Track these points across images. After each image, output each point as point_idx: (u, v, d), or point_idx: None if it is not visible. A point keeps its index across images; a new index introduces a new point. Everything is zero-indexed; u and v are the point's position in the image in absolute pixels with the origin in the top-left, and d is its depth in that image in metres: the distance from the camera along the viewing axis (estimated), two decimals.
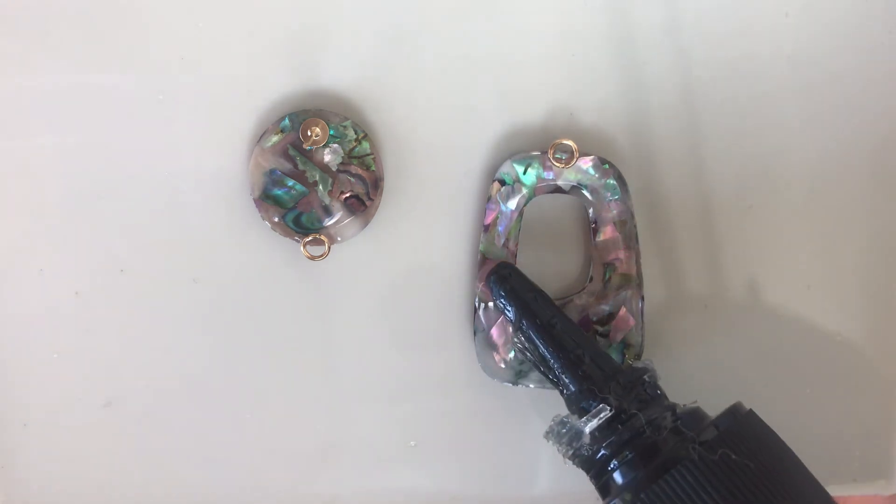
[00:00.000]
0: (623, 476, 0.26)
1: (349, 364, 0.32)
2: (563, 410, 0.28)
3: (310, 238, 0.30)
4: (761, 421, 0.27)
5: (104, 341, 0.31)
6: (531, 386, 0.31)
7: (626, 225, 0.31)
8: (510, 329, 0.31)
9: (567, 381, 0.27)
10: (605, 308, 0.31)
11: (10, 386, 0.31)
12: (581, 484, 0.32)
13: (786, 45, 0.31)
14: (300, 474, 0.32)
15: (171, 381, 0.31)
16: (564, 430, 0.27)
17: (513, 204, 0.31)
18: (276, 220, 0.30)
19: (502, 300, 0.29)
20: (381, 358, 0.32)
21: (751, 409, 0.27)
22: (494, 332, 0.31)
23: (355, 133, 0.30)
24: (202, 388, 0.31)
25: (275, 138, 0.30)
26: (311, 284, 0.31)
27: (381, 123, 0.31)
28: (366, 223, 0.31)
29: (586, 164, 0.31)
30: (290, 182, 0.30)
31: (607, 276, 0.31)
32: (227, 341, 0.31)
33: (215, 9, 0.30)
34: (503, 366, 0.31)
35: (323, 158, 0.30)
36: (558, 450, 0.28)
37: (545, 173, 0.31)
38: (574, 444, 0.27)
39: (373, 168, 0.30)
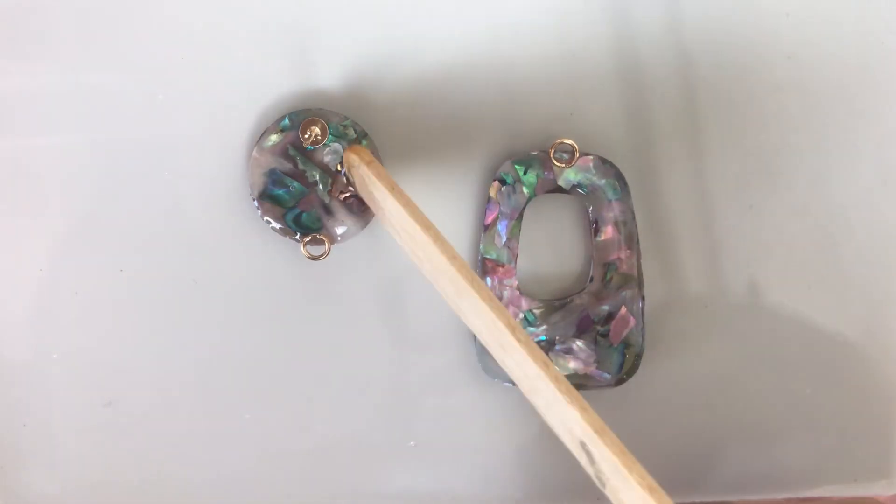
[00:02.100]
0: None
1: (349, 364, 0.32)
2: None
3: (310, 238, 0.30)
4: None
5: (104, 341, 0.31)
6: None
7: (627, 225, 0.31)
8: None
9: None
10: (606, 308, 0.31)
11: (10, 386, 0.31)
12: (581, 484, 0.33)
13: (786, 45, 0.31)
14: (300, 474, 0.32)
15: (171, 381, 0.31)
16: None
17: (513, 204, 0.31)
18: (276, 220, 0.30)
19: None
20: (381, 358, 0.32)
21: None
22: None
23: (355, 133, 0.30)
24: (202, 388, 0.31)
25: (275, 138, 0.30)
26: (311, 284, 0.31)
27: (381, 123, 0.31)
28: (366, 223, 0.31)
29: (586, 164, 0.30)
30: (290, 182, 0.30)
31: (608, 276, 0.31)
32: (227, 341, 0.31)
33: (215, 9, 0.30)
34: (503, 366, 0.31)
35: (323, 158, 0.30)
36: None
37: (545, 173, 0.31)
38: None
39: None
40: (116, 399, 0.31)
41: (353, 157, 0.29)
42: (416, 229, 0.25)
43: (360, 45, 0.30)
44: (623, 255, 0.31)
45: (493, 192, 0.31)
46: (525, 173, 0.31)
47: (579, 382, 0.31)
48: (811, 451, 0.33)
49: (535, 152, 0.31)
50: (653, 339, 0.32)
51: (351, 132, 0.30)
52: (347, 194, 0.30)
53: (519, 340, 0.23)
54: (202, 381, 0.31)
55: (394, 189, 0.26)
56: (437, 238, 0.25)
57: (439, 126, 0.31)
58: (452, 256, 0.24)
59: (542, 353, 0.23)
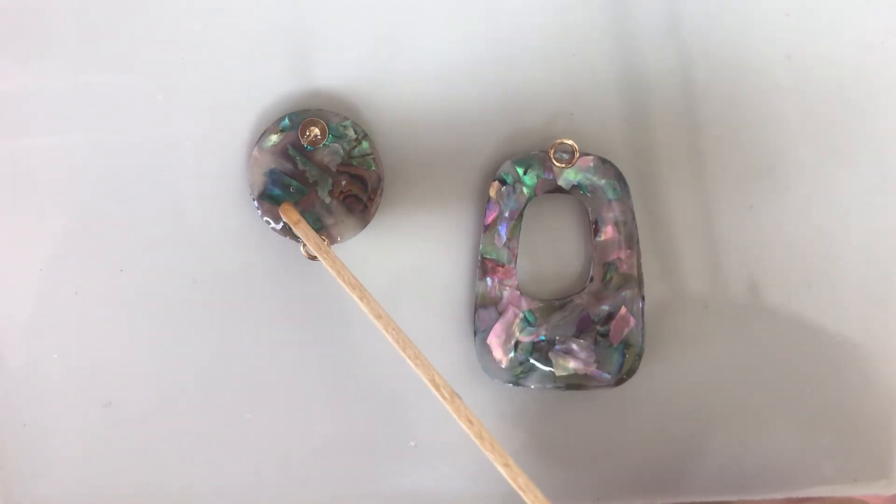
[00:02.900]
0: None
1: (349, 364, 0.32)
2: (562, 411, 0.28)
3: None
4: None
5: (104, 341, 0.31)
6: (531, 386, 0.31)
7: (627, 225, 0.31)
8: (510, 329, 0.31)
9: None
10: (606, 308, 0.31)
11: (10, 386, 0.31)
12: (581, 484, 0.33)
13: (786, 45, 0.31)
14: (300, 474, 0.32)
15: (170, 381, 0.31)
16: None
17: (513, 204, 0.31)
18: (276, 220, 0.30)
19: None
20: (380, 358, 0.32)
21: None
22: (494, 332, 0.31)
23: (355, 133, 0.30)
24: (202, 388, 0.31)
25: (274, 138, 0.30)
26: (311, 284, 0.31)
27: (381, 123, 0.31)
28: (366, 223, 0.31)
29: (586, 164, 0.31)
30: (290, 182, 0.30)
31: (608, 276, 0.31)
32: (227, 341, 0.31)
33: (215, 9, 0.30)
34: (503, 366, 0.31)
35: (323, 158, 0.30)
36: None
37: (545, 173, 0.31)
38: None
39: (373, 168, 0.30)
40: (116, 399, 0.31)
41: (282, 216, 0.29)
42: (345, 289, 0.26)
43: (359, 45, 0.30)
44: (623, 255, 0.31)
45: (493, 192, 0.31)
46: (525, 173, 0.31)
47: (579, 382, 0.31)
48: (811, 450, 0.33)
49: (535, 152, 0.31)
50: (653, 339, 0.32)
51: (351, 132, 0.30)
52: (347, 194, 0.30)
53: (444, 398, 0.23)
54: (202, 381, 0.31)
55: (320, 249, 0.27)
56: (364, 297, 0.26)
57: (439, 126, 0.31)
58: (378, 315, 0.25)
59: (466, 409, 0.23)
